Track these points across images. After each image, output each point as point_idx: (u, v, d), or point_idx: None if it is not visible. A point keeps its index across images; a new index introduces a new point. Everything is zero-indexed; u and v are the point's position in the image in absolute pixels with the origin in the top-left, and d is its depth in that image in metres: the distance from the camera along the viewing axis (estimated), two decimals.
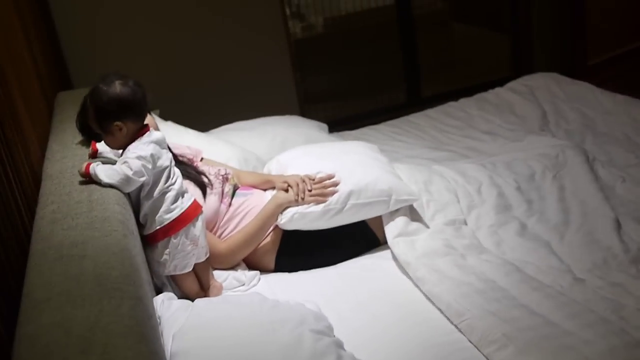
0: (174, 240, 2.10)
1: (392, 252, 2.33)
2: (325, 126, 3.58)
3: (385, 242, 2.39)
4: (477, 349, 1.84)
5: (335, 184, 2.42)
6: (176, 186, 2.10)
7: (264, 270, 2.41)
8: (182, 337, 1.63)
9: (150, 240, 2.09)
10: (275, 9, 4.33)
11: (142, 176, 1.98)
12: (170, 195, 2.07)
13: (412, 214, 2.46)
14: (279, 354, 1.58)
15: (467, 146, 3.31)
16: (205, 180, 2.42)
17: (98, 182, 1.94)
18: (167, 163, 2.09)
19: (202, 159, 2.63)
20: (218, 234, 2.40)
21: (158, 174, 2.06)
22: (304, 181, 2.45)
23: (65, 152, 2.22)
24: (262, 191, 2.58)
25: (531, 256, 2.26)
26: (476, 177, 2.71)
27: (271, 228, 2.42)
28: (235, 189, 2.53)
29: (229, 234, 2.41)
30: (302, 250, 2.41)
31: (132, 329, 1.31)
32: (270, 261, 2.42)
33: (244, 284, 2.29)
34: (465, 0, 5.61)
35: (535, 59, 5.13)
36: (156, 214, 2.06)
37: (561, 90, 3.73)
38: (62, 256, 1.58)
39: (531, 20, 5.06)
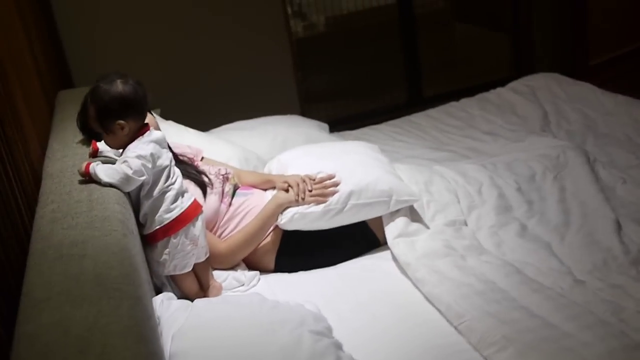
0: (173, 240, 2.10)
1: (392, 252, 2.33)
2: (326, 126, 3.58)
3: (386, 243, 2.39)
4: (477, 351, 1.84)
5: (336, 184, 2.42)
6: (176, 186, 2.10)
7: (263, 271, 2.41)
8: (182, 337, 1.63)
9: (150, 240, 2.09)
10: (277, 7, 4.33)
11: (142, 175, 1.98)
12: (170, 195, 2.07)
13: (413, 214, 2.46)
14: (278, 355, 1.58)
15: (468, 146, 3.30)
16: (206, 179, 2.42)
17: (98, 182, 1.94)
18: (167, 162, 2.09)
19: (202, 159, 2.63)
20: (218, 233, 2.40)
21: (158, 173, 2.06)
22: (304, 181, 2.45)
23: (65, 151, 2.22)
24: (262, 191, 2.57)
25: (531, 257, 2.25)
26: (477, 177, 2.71)
27: (271, 228, 2.42)
28: (235, 188, 2.53)
29: (229, 233, 2.41)
30: (302, 251, 2.41)
31: (131, 329, 1.31)
32: (270, 261, 2.42)
33: (243, 284, 2.29)
34: (466, 0, 5.61)
35: (536, 58, 5.12)
36: (156, 214, 2.06)
37: (562, 91, 3.72)
38: (62, 255, 1.57)
39: (533, 20, 5.05)
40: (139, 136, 2.06)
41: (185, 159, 2.49)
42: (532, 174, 2.75)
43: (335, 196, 2.38)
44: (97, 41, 3.92)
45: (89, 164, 1.95)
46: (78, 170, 1.97)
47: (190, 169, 2.41)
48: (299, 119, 3.66)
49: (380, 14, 5.00)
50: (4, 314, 1.48)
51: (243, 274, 2.33)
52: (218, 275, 2.29)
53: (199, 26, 4.13)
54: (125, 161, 1.98)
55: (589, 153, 2.86)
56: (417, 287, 2.15)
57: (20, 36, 2.59)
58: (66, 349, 1.24)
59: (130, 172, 1.95)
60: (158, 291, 2.12)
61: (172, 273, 2.15)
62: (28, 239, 1.77)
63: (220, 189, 2.45)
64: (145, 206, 2.06)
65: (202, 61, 4.18)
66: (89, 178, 1.94)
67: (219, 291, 2.23)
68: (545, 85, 3.82)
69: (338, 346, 1.73)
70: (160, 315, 1.76)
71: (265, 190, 2.58)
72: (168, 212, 2.07)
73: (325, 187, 2.42)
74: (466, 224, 2.47)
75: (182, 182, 2.15)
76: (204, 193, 2.37)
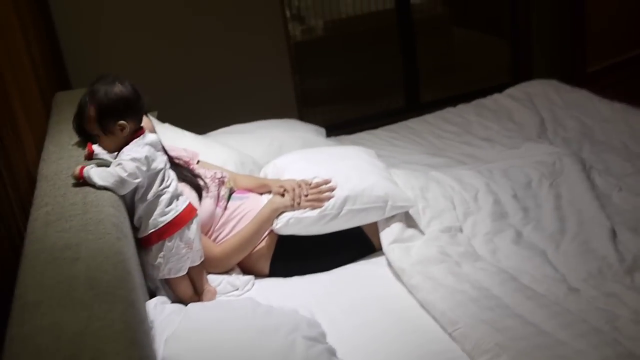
0: (168, 244, 2.09)
1: (387, 258, 2.33)
2: (322, 130, 3.58)
3: (381, 248, 2.39)
4: (470, 358, 1.84)
5: (332, 189, 2.42)
6: (171, 189, 2.10)
7: (258, 275, 2.40)
8: (174, 341, 1.63)
9: (145, 243, 2.09)
10: (276, 11, 4.33)
11: (137, 178, 1.98)
12: (164, 198, 2.07)
13: (408, 220, 2.45)
14: None
15: (465, 152, 3.30)
16: (201, 183, 2.42)
17: (93, 185, 1.93)
18: (161, 165, 2.08)
19: (198, 162, 2.62)
20: (213, 237, 2.40)
21: (152, 176, 2.05)
22: (300, 186, 2.45)
23: (61, 154, 2.21)
24: (258, 195, 2.57)
25: (526, 265, 2.25)
26: (473, 184, 2.71)
27: (266, 233, 2.42)
28: (231, 192, 2.53)
29: (224, 237, 2.40)
30: (296, 256, 2.41)
31: (123, 334, 1.31)
32: (265, 266, 2.42)
33: (237, 289, 2.29)
34: (465, 5, 5.61)
35: (534, 65, 5.13)
36: (150, 217, 2.06)
37: (560, 98, 3.73)
38: (55, 258, 1.57)
39: (531, 26, 5.06)
40: (133, 139, 2.06)
41: (181, 162, 2.48)
42: (528, 180, 2.75)
43: (331, 201, 2.38)
44: (95, 43, 3.92)
45: (82, 168, 1.94)
46: (72, 174, 1.96)
47: (185, 172, 2.41)
48: (295, 123, 3.66)
49: (379, 18, 5.01)
50: None
51: (237, 279, 2.32)
52: (212, 280, 2.29)
53: (197, 28, 4.12)
54: (119, 164, 1.97)
55: (585, 160, 2.86)
56: (411, 293, 2.14)
57: (17, 37, 2.58)
58: (58, 353, 1.23)
59: (124, 174, 1.95)
60: (152, 295, 2.11)
61: (167, 276, 2.14)
62: (22, 241, 1.76)
63: (216, 192, 2.45)
64: (140, 209, 2.05)
65: (200, 64, 4.18)
66: (83, 181, 1.94)
67: (213, 295, 2.23)
68: (542, 92, 3.82)
69: (332, 352, 1.73)
70: (153, 319, 1.76)
71: (261, 194, 2.58)
72: (163, 216, 2.07)
73: (321, 192, 2.42)
74: (462, 231, 2.47)
75: (176, 185, 2.14)
76: (200, 196, 2.37)
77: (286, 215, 2.38)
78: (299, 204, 2.39)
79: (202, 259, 2.22)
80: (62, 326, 1.31)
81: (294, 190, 2.43)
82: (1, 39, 2.28)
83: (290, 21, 4.58)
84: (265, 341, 1.64)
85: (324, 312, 2.03)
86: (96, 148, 2.12)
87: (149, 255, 2.10)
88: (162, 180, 2.08)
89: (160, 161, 2.09)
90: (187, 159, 2.55)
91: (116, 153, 2.08)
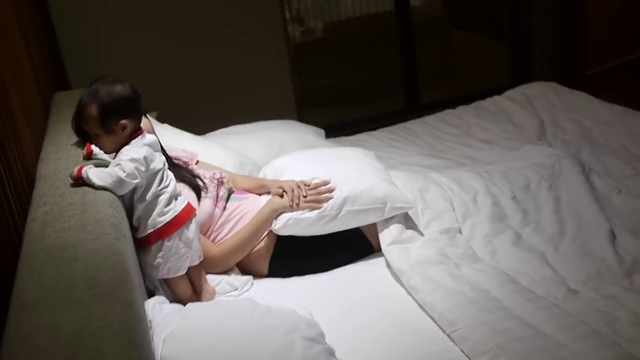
0: (167, 243, 2.09)
1: (386, 259, 2.32)
2: (322, 131, 3.58)
3: (380, 250, 2.38)
4: (469, 359, 1.83)
5: (331, 190, 2.42)
6: (169, 189, 2.09)
7: (257, 275, 2.40)
8: (173, 341, 1.63)
9: (144, 243, 2.08)
10: (275, 12, 4.33)
11: (135, 179, 1.98)
12: (163, 198, 2.07)
13: (407, 221, 2.45)
14: None
15: (464, 154, 3.30)
16: (200, 183, 2.42)
17: (91, 185, 1.93)
18: (160, 166, 2.08)
19: (197, 162, 2.62)
20: (212, 237, 2.40)
21: (151, 176, 2.05)
22: (299, 187, 2.44)
23: (60, 153, 2.21)
24: (257, 196, 2.57)
25: (525, 266, 2.25)
26: (472, 185, 2.70)
27: (265, 233, 2.42)
28: (230, 193, 2.53)
29: (222, 238, 2.40)
30: (295, 256, 2.41)
31: (121, 334, 1.30)
32: (264, 266, 2.41)
33: (236, 289, 2.28)
34: (465, 7, 5.62)
35: (534, 67, 5.13)
36: (149, 217, 2.06)
37: (559, 100, 3.73)
38: (53, 258, 1.57)
39: (531, 28, 5.06)
40: (132, 140, 2.06)
41: (180, 162, 2.48)
42: (527, 182, 2.75)
43: (330, 202, 2.38)
44: (94, 43, 3.92)
45: (81, 168, 1.94)
46: (70, 175, 1.95)
47: (184, 173, 2.41)
48: (295, 124, 3.65)
49: (379, 20, 5.01)
50: None
51: (236, 279, 2.32)
52: (211, 280, 2.28)
53: (197, 29, 4.13)
54: (118, 164, 1.97)
55: (584, 163, 2.86)
56: (410, 294, 2.14)
57: (16, 37, 2.58)
58: (56, 353, 1.23)
59: (123, 175, 1.95)
60: (151, 295, 2.11)
61: (166, 276, 2.14)
62: (20, 241, 1.76)
63: (215, 193, 2.45)
64: (139, 209, 2.05)
65: (199, 64, 4.18)
66: (81, 182, 1.94)
67: (212, 295, 2.23)
68: (541, 94, 3.82)
69: (330, 352, 1.72)
70: (152, 319, 1.76)
71: (259, 195, 2.57)
72: (161, 216, 2.07)
73: (320, 193, 2.42)
74: (461, 232, 2.47)
75: (175, 186, 2.14)
76: (198, 197, 2.37)
77: (285, 216, 2.38)
78: (297, 204, 2.39)
79: (201, 259, 2.21)
80: (60, 326, 1.30)
81: (292, 191, 2.43)
82: (0, 39, 2.27)
83: (289, 22, 4.59)
84: (264, 341, 1.63)
85: (322, 313, 2.02)
86: (95, 148, 2.11)
87: (148, 255, 2.09)
88: (161, 181, 2.08)
89: (159, 161, 2.09)
90: (186, 160, 2.54)
91: (114, 154, 2.07)
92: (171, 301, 2.07)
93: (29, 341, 1.27)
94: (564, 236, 2.41)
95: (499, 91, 4.02)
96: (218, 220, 2.42)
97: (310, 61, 4.93)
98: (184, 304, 1.97)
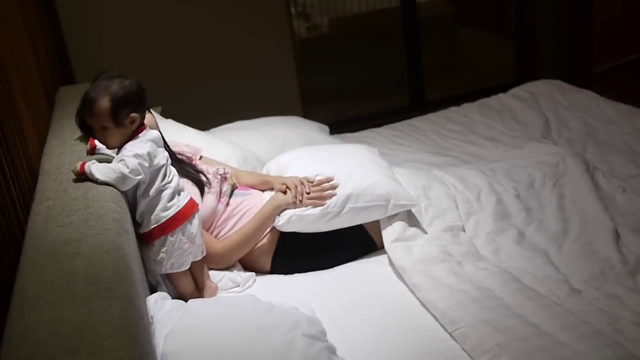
0: (170, 238, 2.09)
1: (389, 257, 2.32)
2: (326, 128, 3.58)
3: (383, 247, 2.38)
4: (471, 358, 1.83)
5: (334, 187, 2.42)
6: (172, 184, 2.10)
7: (259, 272, 2.40)
8: (174, 337, 1.62)
9: (147, 238, 2.09)
10: (281, 8, 4.33)
11: (139, 174, 1.97)
12: (166, 194, 2.07)
13: (410, 219, 2.45)
14: (270, 358, 1.57)
15: (468, 152, 3.30)
16: (204, 178, 2.42)
17: (95, 181, 1.93)
18: (163, 161, 2.08)
19: (201, 158, 2.62)
20: (215, 233, 2.40)
21: (154, 172, 2.05)
22: (302, 183, 2.44)
23: (63, 148, 2.21)
24: (260, 192, 2.57)
25: (528, 265, 2.25)
26: (475, 183, 2.70)
27: (268, 229, 2.41)
28: (233, 188, 2.53)
29: (225, 233, 2.40)
30: (298, 253, 2.41)
31: (122, 330, 1.30)
32: (266, 263, 2.41)
33: (239, 285, 2.28)
34: (471, 5, 5.60)
35: (539, 64, 5.12)
36: (153, 212, 2.06)
37: (564, 98, 3.72)
38: (55, 253, 1.56)
39: (536, 26, 5.05)
40: (136, 135, 2.06)
41: (184, 157, 2.48)
42: (531, 181, 2.74)
43: (333, 199, 2.38)
44: (100, 38, 3.92)
45: (84, 163, 1.94)
46: (73, 170, 1.95)
47: (188, 168, 2.41)
48: (299, 120, 3.65)
49: (384, 16, 5.00)
50: None
51: (239, 275, 2.32)
52: (214, 276, 2.28)
53: (202, 25, 4.13)
54: (122, 160, 1.97)
55: (588, 161, 2.85)
56: (412, 292, 2.14)
57: (21, 30, 2.58)
58: (56, 348, 1.23)
59: (126, 171, 1.94)
60: (153, 290, 2.11)
61: (169, 271, 2.14)
62: (23, 235, 1.76)
63: (218, 188, 2.45)
64: (142, 205, 2.05)
65: (204, 60, 4.18)
66: (84, 177, 1.93)
67: (214, 291, 2.23)
68: (547, 92, 3.81)
69: (331, 350, 1.72)
70: (153, 315, 1.75)
71: (263, 191, 2.57)
72: (165, 211, 2.07)
73: (323, 189, 2.41)
74: (464, 230, 2.46)
75: (178, 181, 2.14)
76: (202, 192, 2.37)
77: (288, 213, 2.38)
78: (301, 201, 2.38)
79: (204, 254, 2.21)
80: (61, 321, 1.30)
81: (296, 187, 2.43)
82: (5, 33, 2.27)
83: (295, 18, 4.58)
84: (265, 338, 1.63)
85: (324, 310, 2.02)
86: (98, 143, 2.11)
87: (151, 250, 2.10)
88: (164, 176, 2.08)
89: (162, 157, 2.09)
90: (189, 155, 2.54)
91: (117, 149, 2.07)
92: (173, 297, 2.07)
93: (29, 336, 1.27)
94: (567, 235, 2.40)
95: (504, 89, 4.01)
96: (221, 216, 2.42)
97: (315, 57, 4.92)
98: (186, 299, 1.97)
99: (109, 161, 2.00)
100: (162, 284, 2.17)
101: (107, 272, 1.48)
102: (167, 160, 2.11)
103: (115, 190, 1.93)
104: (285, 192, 2.44)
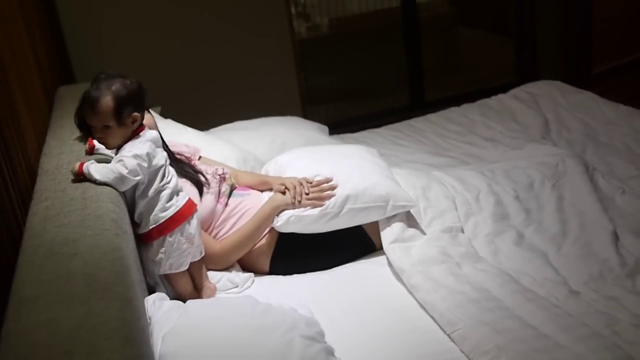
0: (169, 239, 2.09)
1: (387, 257, 2.32)
2: (325, 128, 3.58)
3: (381, 248, 2.38)
4: (469, 359, 1.83)
5: (333, 188, 2.41)
6: (171, 185, 2.09)
7: (258, 273, 2.40)
8: (172, 338, 1.62)
9: (146, 239, 2.08)
10: (281, 8, 4.33)
11: (137, 175, 1.97)
12: (165, 194, 2.07)
13: (409, 220, 2.44)
14: (268, 359, 1.57)
15: (468, 152, 3.30)
16: (202, 179, 2.41)
17: (93, 181, 1.93)
18: (162, 162, 2.08)
19: (200, 158, 2.62)
20: (213, 234, 2.39)
21: (153, 173, 2.05)
22: (301, 184, 2.44)
23: (62, 148, 2.21)
24: (259, 192, 2.57)
25: (527, 266, 2.24)
26: (475, 184, 2.70)
27: (267, 230, 2.41)
28: (232, 189, 2.52)
29: (224, 234, 2.40)
30: (297, 254, 2.40)
31: (119, 331, 1.30)
32: (265, 263, 2.41)
33: (237, 286, 2.28)
34: (471, 5, 5.60)
35: (539, 65, 5.12)
36: (151, 213, 2.06)
37: (564, 99, 3.72)
38: (53, 254, 1.56)
39: (536, 26, 5.05)
40: (135, 135, 2.06)
41: (183, 157, 2.48)
42: (531, 182, 2.73)
43: (332, 200, 2.37)
44: (100, 38, 3.92)
45: (82, 164, 1.93)
46: (71, 170, 1.95)
47: (187, 168, 2.41)
48: (298, 120, 3.65)
49: (384, 16, 5.01)
50: None
51: (237, 276, 2.32)
52: (212, 276, 2.28)
53: (202, 25, 4.12)
54: (120, 160, 1.97)
55: (588, 162, 2.85)
56: (411, 293, 2.14)
57: (21, 30, 2.58)
58: (54, 349, 1.23)
59: (125, 171, 1.94)
60: (151, 291, 2.11)
61: (168, 272, 2.14)
62: (21, 235, 1.75)
63: (217, 188, 2.44)
64: (141, 205, 2.05)
65: (204, 60, 4.18)
66: (82, 177, 1.93)
67: (213, 292, 2.23)
68: (546, 93, 3.81)
69: (329, 351, 1.72)
70: (151, 316, 1.75)
71: (262, 191, 2.57)
72: (163, 211, 2.07)
73: (322, 190, 2.41)
74: (463, 231, 2.46)
75: (177, 181, 2.14)
76: (200, 192, 2.37)
77: (287, 213, 2.38)
78: (299, 202, 2.38)
79: (202, 255, 2.21)
80: (58, 322, 1.30)
81: (295, 188, 2.42)
82: (5, 33, 2.27)
83: (295, 18, 4.58)
84: (263, 339, 1.63)
85: (323, 311, 2.02)
86: (97, 143, 2.11)
87: (149, 251, 2.09)
88: (163, 177, 2.08)
89: (161, 157, 2.09)
90: (188, 155, 2.54)
91: (116, 149, 2.07)
92: (172, 298, 2.07)
93: (27, 336, 1.27)
94: (566, 236, 2.40)
95: (504, 89, 4.01)
96: (220, 217, 2.41)
97: (315, 57, 4.92)
98: (185, 300, 1.97)
99: (107, 161, 2.00)
100: (161, 284, 2.17)
101: (105, 272, 1.48)
102: (166, 161, 2.11)
103: (114, 190, 1.93)
104: (284, 193, 2.43)
